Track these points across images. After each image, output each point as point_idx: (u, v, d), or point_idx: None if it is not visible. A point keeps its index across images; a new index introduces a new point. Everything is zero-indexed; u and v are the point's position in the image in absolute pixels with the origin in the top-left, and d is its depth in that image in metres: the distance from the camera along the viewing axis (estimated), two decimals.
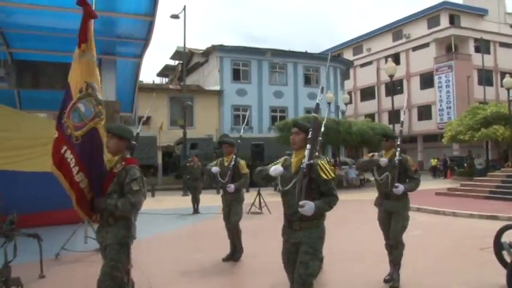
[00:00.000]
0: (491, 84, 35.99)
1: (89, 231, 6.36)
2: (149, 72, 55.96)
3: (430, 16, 39.27)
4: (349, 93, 36.55)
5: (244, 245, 6.08)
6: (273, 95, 29.81)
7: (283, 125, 21.09)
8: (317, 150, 3.03)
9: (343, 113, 33.56)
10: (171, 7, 59.25)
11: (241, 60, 29.42)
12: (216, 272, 5.53)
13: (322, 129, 5.97)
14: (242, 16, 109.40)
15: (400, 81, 38.20)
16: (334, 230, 7.21)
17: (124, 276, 3.18)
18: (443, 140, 25.80)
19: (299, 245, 2.98)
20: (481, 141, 24.44)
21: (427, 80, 37.32)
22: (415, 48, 38.77)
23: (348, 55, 45.45)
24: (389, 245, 4.73)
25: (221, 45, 28.98)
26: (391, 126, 23.34)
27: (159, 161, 26.53)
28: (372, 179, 6.22)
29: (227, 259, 5.94)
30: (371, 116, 37.63)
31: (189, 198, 13.09)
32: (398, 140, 4.79)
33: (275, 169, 3.05)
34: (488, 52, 36.86)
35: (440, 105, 35.63)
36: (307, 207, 2.77)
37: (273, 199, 11.24)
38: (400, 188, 4.49)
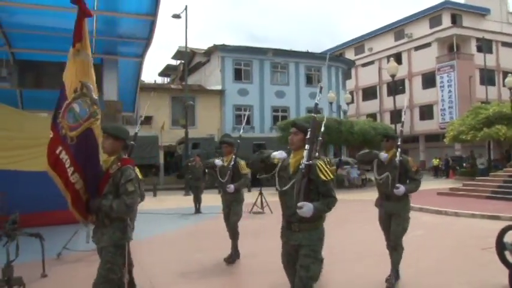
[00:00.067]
0: (493, 84, 35.80)
1: (91, 231, 6.37)
2: (151, 72, 55.82)
3: (432, 16, 39.12)
4: (351, 92, 36.45)
5: (244, 244, 6.07)
6: (274, 94, 29.81)
7: (285, 125, 21.08)
8: (316, 151, 3.01)
9: (344, 112, 33.54)
10: (173, 7, 59.50)
11: (242, 60, 29.40)
12: (216, 272, 5.54)
13: (323, 129, 5.99)
14: (243, 16, 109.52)
15: (402, 81, 38.10)
16: (335, 230, 7.22)
17: (121, 277, 3.16)
18: (445, 139, 25.74)
19: (299, 247, 2.93)
20: (483, 141, 24.35)
21: (429, 80, 37.18)
22: (417, 48, 38.62)
23: (350, 55, 45.34)
24: (390, 246, 4.71)
25: (223, 45, 28.97)
26: (393, 126, 23.33)
27: (161, 160, 26.53)
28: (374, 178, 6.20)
29: (228, 259, 5.93)
30: (373, 116, 37.55)
31: (190, 198, 13.09)
32: (399, 140, 4.75)
33: (280, 153, 3.00)
34: (491, 52, 36.72)
35: (442, 105, 35.51)
36: (306, 208, 2.73)
37: (274, 199, 11.18)
38: (401, 189, 4.45)
